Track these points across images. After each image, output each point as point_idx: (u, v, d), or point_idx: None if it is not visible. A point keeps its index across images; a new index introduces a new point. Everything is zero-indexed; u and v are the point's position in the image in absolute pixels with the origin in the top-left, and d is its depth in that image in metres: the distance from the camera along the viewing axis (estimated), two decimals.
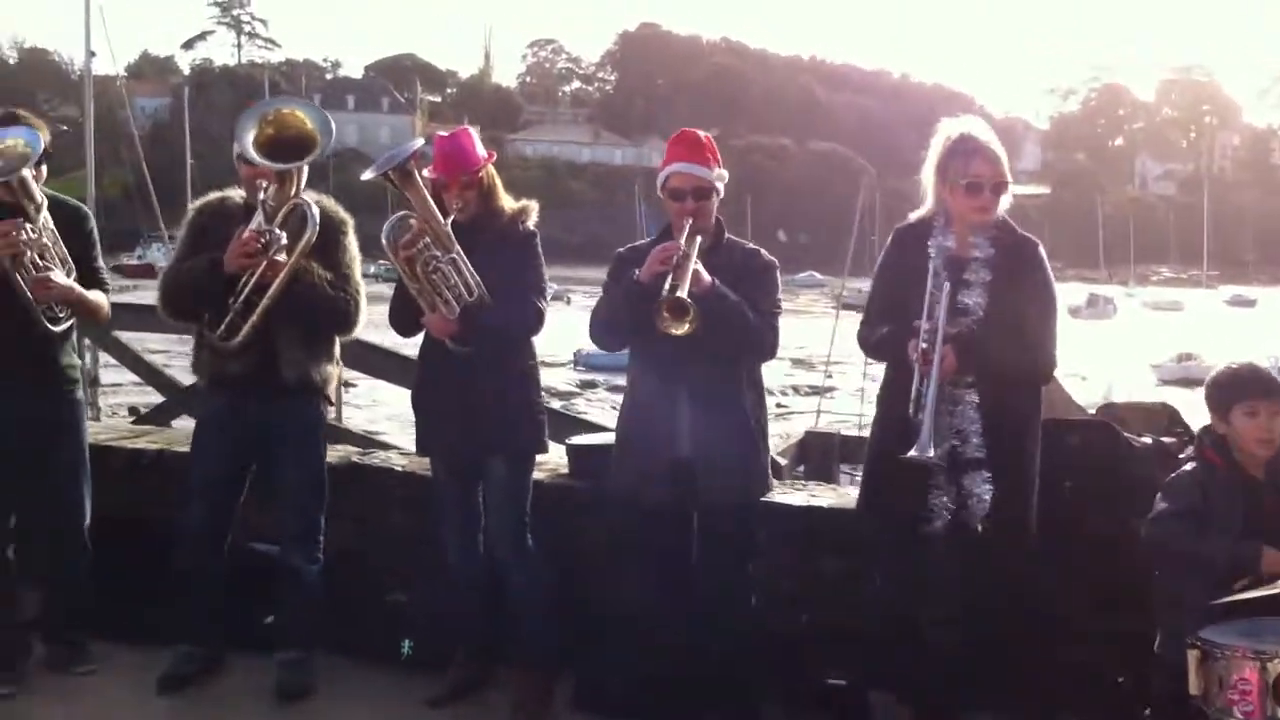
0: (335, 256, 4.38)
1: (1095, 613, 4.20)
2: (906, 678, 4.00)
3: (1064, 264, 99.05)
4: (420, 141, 4.35)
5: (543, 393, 4.45)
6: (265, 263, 4.17)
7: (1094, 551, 4.20)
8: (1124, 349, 38.07)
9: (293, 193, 4.26)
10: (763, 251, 4.13)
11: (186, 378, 9.80)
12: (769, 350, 4.07)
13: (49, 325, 4.31)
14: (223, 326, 4.26)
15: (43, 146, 4.27)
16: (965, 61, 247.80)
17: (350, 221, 4.51)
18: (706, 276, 3.86)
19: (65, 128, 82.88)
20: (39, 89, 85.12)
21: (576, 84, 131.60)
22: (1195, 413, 4.31)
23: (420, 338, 4.37)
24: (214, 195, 4.55)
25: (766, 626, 4.28)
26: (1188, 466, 3.74)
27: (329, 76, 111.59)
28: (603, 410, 24.88)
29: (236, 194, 4.49)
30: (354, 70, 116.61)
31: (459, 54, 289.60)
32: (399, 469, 5.12)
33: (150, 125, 78.04)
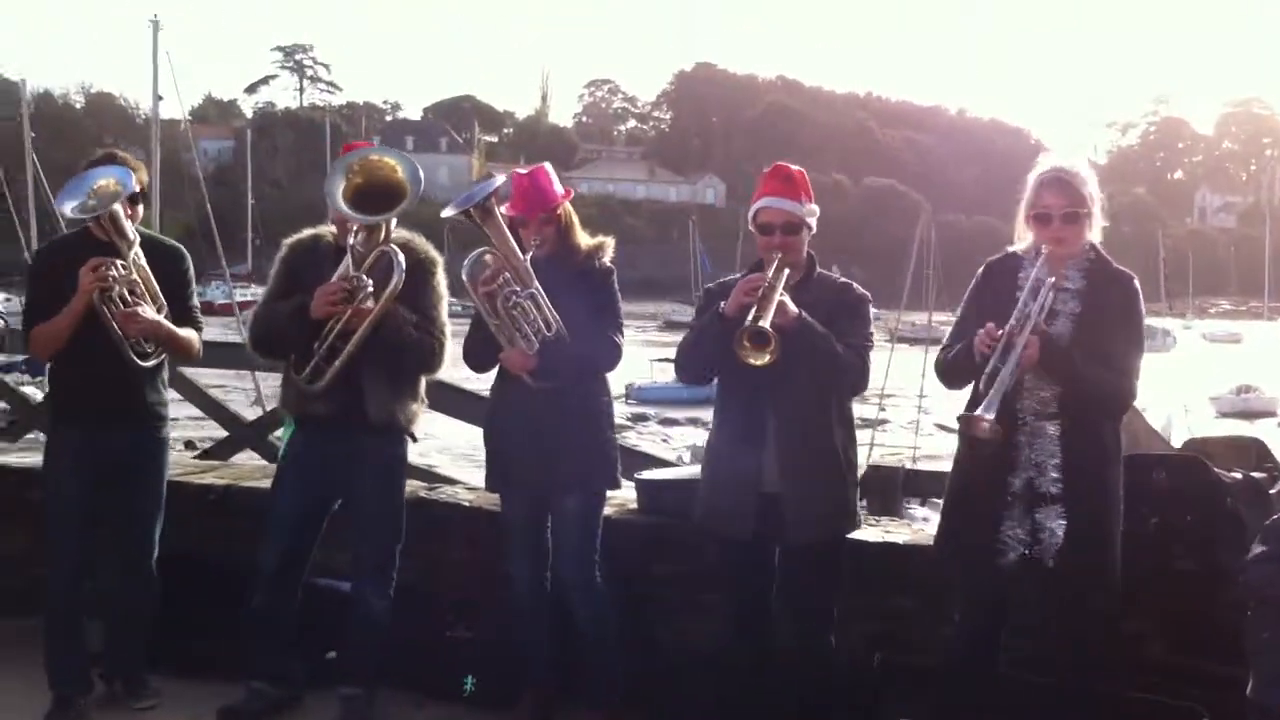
0: (423, 298, 4.38)
1: (1182, 653, 4.08)
2: (982, 717, 3.89)
3: None
4: (501, 179, 4.39)
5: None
6: (351, 310, 4.18)
7: (1182, 590, 4.08)
8: (1181, 381, 37.58)
9: (381, 239, 4.27)
10: (855, 285, 4.09)
11: (247, 412, 10.02)
12: (860, 383, 4.00)
13: (137, 360, 4.34)
14: (308, 370, 4.29)
15: (135, 186, 4.32)
16: (1022, 96, 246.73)
17: (439, 261, 4.51)
18: (793, 308, 3.82)
19: None
20: (105, 133, 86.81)
21: (632, 123, 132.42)
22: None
23: (493, 374, 4.39)
24: (307, 233, 4.58)
25: (841, 666, 4.19)
26: None
27: (389, 118, 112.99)
28: (654, 443, 24.79)
29: (329, 232, 4.51)
30: (413, 112, 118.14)
31: (516, 95, 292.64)
32: (465, 504, 5.11)
33: (214, 167, 79.36)
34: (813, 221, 4.08)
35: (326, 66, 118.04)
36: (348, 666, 4.47)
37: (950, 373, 3.90)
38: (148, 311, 4.32)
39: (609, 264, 4.37)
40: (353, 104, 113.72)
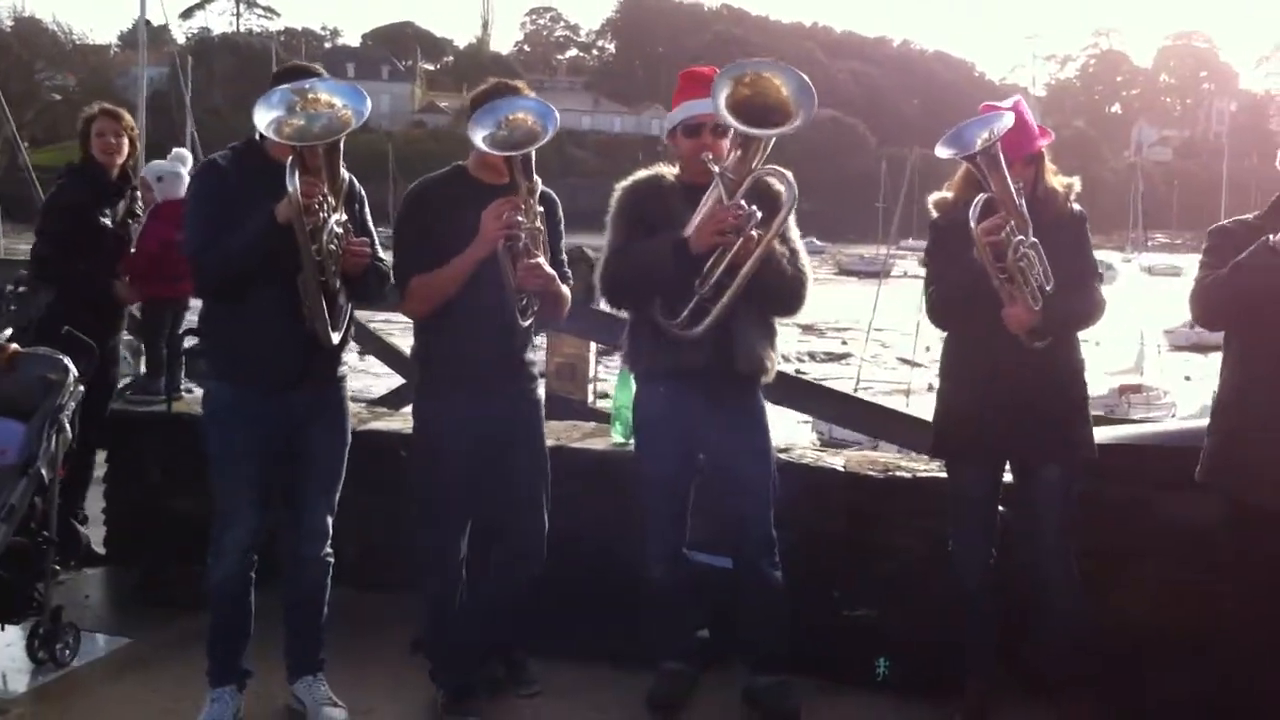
0: (787, 230, 4.00)
1: None
2: None
3: None
4: (1010, 117, 3.74)
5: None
6: (740, 240, 3.79)
7: None
8: (1127, 315, 38.18)
9: (754, 165, 3.83)
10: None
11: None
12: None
13: (520, 318, 3.89)
14: (686, 313, 3.88)
15: (554, 126, 3.72)
16: (964, 28, 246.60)
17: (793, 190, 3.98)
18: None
19: (58, 97, 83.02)
20: (36, 57, 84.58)
21: (574, 52, 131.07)
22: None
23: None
24: (643, 174, 4.14)
25: None
26: None
27: (328, 45, 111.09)
28: None
29: (668, 171, 4.13)
30: (352, 38, 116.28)
31: (456, 22, 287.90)
32: (840, 469, 4.79)
33: (149, 94, 77.70)
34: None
35: None
36: (757, 650, 4.16)
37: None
38: (547, 265, 3.84)
39: (1081, 209, 3.97)
40: (291, 30, 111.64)
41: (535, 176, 3.79)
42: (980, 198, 3.68)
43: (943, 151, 3.75)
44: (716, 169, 3.82)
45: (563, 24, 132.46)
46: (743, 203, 3.78)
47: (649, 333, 4.04)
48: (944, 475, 4.61)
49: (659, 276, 3.90)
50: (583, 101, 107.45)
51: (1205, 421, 3.78)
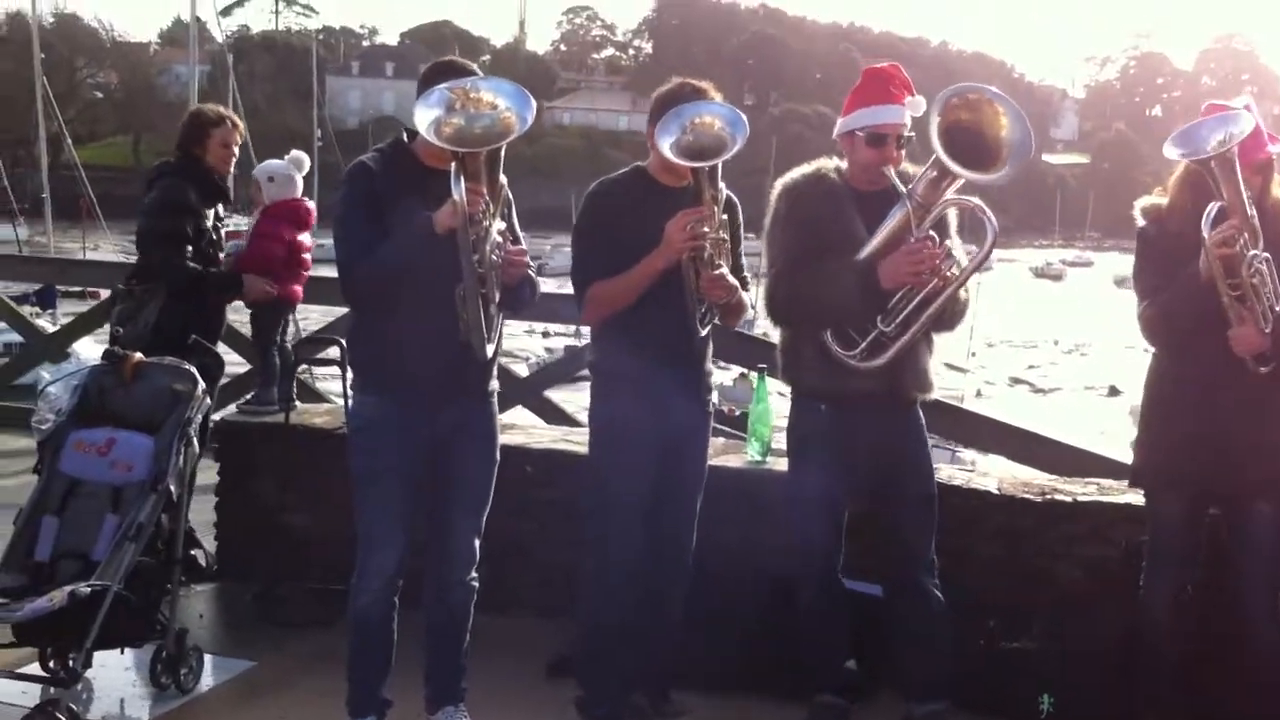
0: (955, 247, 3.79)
1: None
2: None
3: (1102, 234, 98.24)
4: (1249, 119, 3.44)
5: None
6: (937, 281, 3.60)
7: None
8: None
9: (945, 194, 3.63)
10: None
11: None
12: None
13: (699, 326, 3.77)
14: (865, 345, 3.71)
15: (743, 136, 3.58)
16: (1003, 29, 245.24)
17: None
18: None
19: (100, 95, 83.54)
20: (76, 54, 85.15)
21: (610, 51, 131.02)
22: None
23: None
24: (804, 172, 3.91)
25: None
26: None
27: (366, 44, 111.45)
28: None
29: (828, 167, 3.90)
30: (390, 37, 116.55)
31: (493, 21, 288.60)
32: (995, 491, 4.54)
33: (188, 93, 78.04)
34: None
35: None
36: (917, 675, 3.98)
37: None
38: (731, 277, 3.69)
39: None
40: (329, 28, 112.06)
41: (721, 184, 3.60)
42: (1213, 206, 3.43)
43: (1172, 152, 3.51)
44: (904, 189, 3.61)
45: (599, 23, 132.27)
46: (934, 236, 3.58)
47: (814, 350, 3.82)
48: (1104, 499, 4.42)
49: (841, 307, 3.70)
50: (620, 101, 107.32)
51: None
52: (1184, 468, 3.69)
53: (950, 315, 3.78)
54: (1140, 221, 3.82)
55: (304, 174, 5.61)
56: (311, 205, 5.70)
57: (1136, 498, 4.08)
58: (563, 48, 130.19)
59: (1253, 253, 3.41)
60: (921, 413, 3.98)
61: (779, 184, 3.89)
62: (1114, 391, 33.21)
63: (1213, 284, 3.47)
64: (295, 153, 5.60)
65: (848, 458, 3.87)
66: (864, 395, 3.76)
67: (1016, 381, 37.63)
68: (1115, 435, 22.97)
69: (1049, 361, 40.09)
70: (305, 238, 5.61)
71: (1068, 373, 38.09)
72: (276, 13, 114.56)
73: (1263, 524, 3.65)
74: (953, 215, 3.80)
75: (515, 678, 4.33)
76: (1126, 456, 4.22)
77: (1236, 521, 3.73)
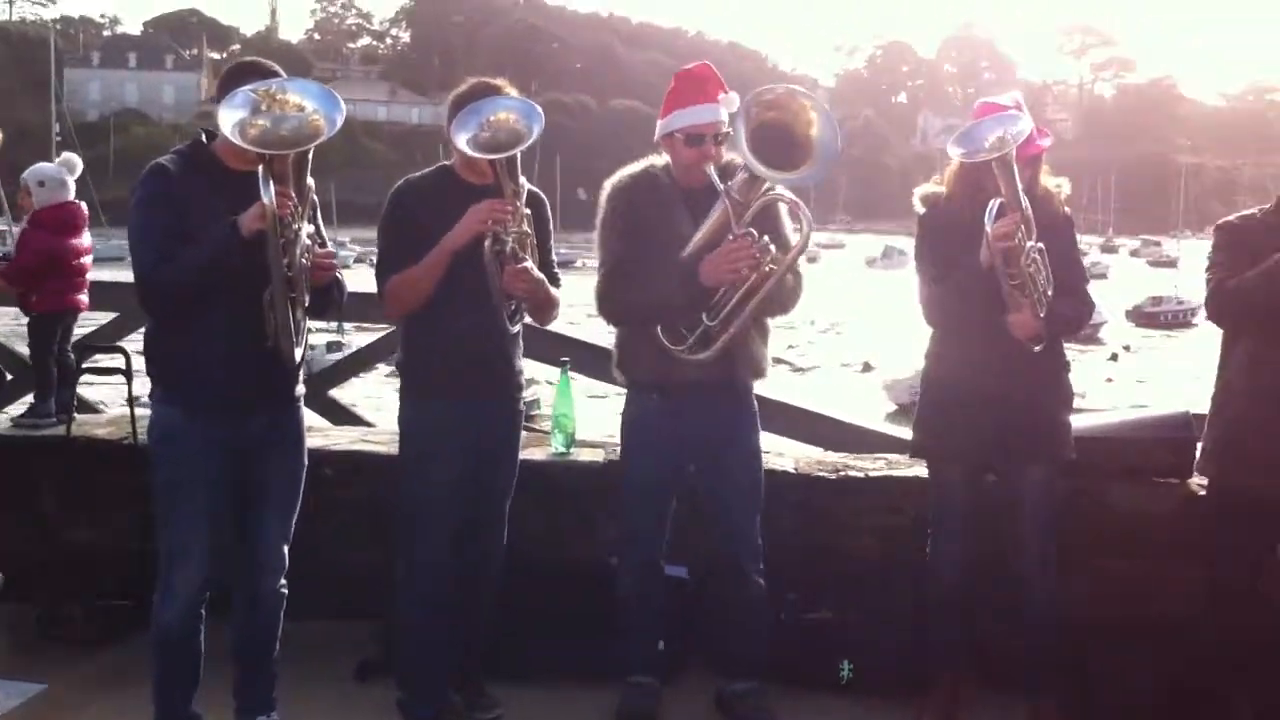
0: (784, 235, 3.83)
1: None
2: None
3: (854, 217, 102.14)
4: (1026, 119, 3.68)
5: None
6: (757, 276, 3.66)
7: None
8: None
9: (764, 190, 3.66)
10: None
11: None
12: None
13: (508, 325, 3.79)
14: (692, 339, 3.76)
15: (538, 128, 3.53)
16: (755, 19, 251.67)
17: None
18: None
19: None
20: None
21: (366, 40, 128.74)
22: None
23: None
24: (632, 171, 3.94)
25: None
26: None
27: (107, 34, 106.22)
28: None
29: (657, 164, 3.92)
30: (133, 27, 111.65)
31: (243, 9, 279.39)
32: (791, 471, 4.68)
33: None
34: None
35: None
36: (733, 655, 4.06)
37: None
38: (535, 269, 3.66)
39: (1069, 211, 3.93)
40: (68, 17, 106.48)
41: (521, 178, 3.61)
42: (995, 202, 3.63)
43: (954, 151, 3.68)
44: (721, 186, 3.68)
45: (355, 11, 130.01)
46: (753, 232, 3.63)
47: (646, 344, 3.87)
48: (894, 474, 4.63)
49: (666, 305, 3.76)
50: (378, 91, 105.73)
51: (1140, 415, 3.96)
52: (961, 440, 3.89)
53: (780, 300, 3.85)
54: (920, 209, 4.03)
55: (75, 177, 5.34)
56: (84, 207, 5.43)
57: (923, 470, 4.29)
58: (316, 36, 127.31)
59: (1030, 244, 3.61)
60: (754, 398, 4.08)
61: (607, 184, 3.94)
62: (867, 367, 34.48)
63: (991, 271, 3.68)
64: (67, 155, 5.34)
65: (677, 445, 3.95)
66: (695, 384, 3.83)
67: (778, 361, 38.71)
68: (872, 410, 23.96)
69: (806, 341, 41.28)
70: (82, 240, 5.34)
71: (824, 351, 39.34)
72: (10, 2, 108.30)
73: (1035, 486, 3.90)
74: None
75: (324, 682, 4.24)
76: (885, 429, 4.41)
77: (1012, 484, 3.97)
